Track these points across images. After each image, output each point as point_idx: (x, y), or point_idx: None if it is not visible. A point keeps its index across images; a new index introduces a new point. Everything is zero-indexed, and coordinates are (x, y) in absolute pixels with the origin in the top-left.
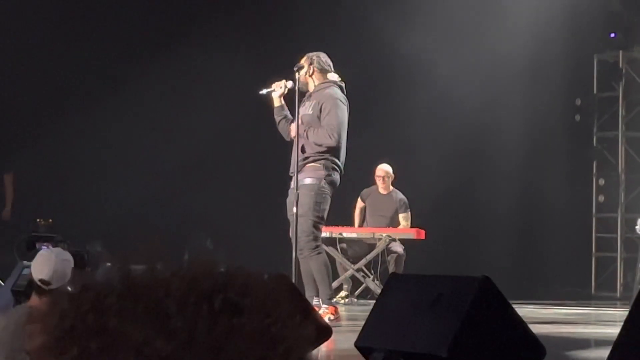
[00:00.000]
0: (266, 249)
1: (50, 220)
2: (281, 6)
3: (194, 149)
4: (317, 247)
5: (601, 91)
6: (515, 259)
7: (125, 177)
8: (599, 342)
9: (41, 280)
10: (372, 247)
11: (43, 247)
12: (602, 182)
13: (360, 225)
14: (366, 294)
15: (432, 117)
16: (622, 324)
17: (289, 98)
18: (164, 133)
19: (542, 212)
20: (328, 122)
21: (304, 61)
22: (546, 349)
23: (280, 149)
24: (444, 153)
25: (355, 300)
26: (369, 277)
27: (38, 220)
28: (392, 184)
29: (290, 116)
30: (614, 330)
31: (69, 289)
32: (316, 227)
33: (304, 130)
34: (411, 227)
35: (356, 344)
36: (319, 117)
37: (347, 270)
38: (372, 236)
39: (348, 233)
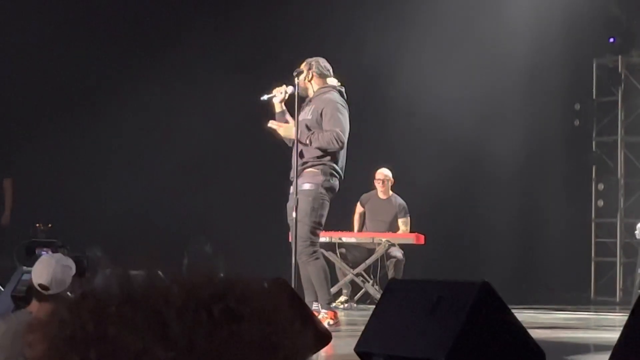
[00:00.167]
0: (266, 254)
1: (50, 225)
2: (282, 11)
3: (193, 153)
4: (314, 252)
5: (600, 96)
6: (514, 263)
7: (124, 182)
8: (599, 347)
9: (40, 285)
10: (371, 252)
11: (43, 252)
12: (601, 186)
13: (360, 230)
14: (365, 298)
15: (432, 121)
16: (621, 328)
17: (290, 103)
18: (164, 137)
19: (541, 216)
20: (332, 127)
21: (303, 66)
22: (545, 353)
23: (279, 154)
24: (444, 158)
25: (355, 305)
26: (369, 282)
27: (37, 225)
28: (392, 189)
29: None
30: (613, 335)
31: (69, 294)
32: (313, 232)
33: (307, 137)
34: (410, 232)
35: (356, 349)
36: (318, 122)
37: (347, 275)
38: (371, 241)
39: (347, 238)
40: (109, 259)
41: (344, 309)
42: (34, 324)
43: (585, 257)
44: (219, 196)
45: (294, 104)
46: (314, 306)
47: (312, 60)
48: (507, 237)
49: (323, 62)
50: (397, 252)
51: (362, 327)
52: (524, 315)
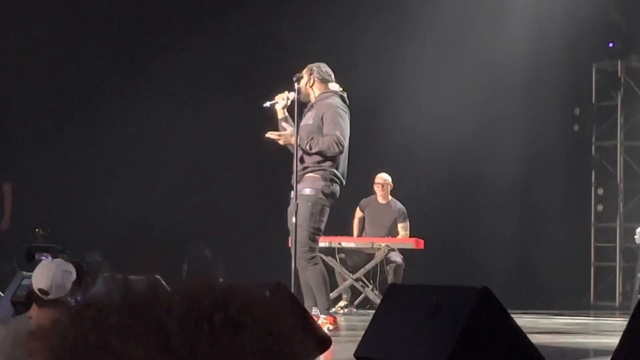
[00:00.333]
0: (265, 258)
1: (49, 230)
2: (283, 16)
3: (192, 157)
4: (313, 257)
5: (600, 100)
6: (514, 268)
7: (124, 187)
8: (598, 352)
9: (40, 290)
10: (371, 256)
11: (43, 257)
12: (600, 191)
13: (359, 235)
14: (365, 303)
15: (432, 125)
16: (621, 333)
17: (292, 109)
18: (163, 142)
19: (540, 221)
20: (332, 131)
21: (304, 72)
22: (545, 358)
23: (279, 159)
24: (443, 162)
25: (355, 310)
26: (368, 286)
27: (37, 230)
28: (391, 194)
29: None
30: (613, 340)
31: (69, 299)
32: (312, 238)
33: (307, 142)
34: (410, 236)
35: (355, 355)
36: (319, 127)
37: (346, 280)
38: (371, 246)
39: (347, 243)
40: (108, 264)
41: (343, 314)
42: (35, 333)
43: (584, 262)
44: (219, 201)
45: (297, 110)
46: (313, 311)
47: (314, 66)
48: (507, 242)
49: (324, 67)
50: (397, 257)
51: (362, 332)
52: (523, 320)
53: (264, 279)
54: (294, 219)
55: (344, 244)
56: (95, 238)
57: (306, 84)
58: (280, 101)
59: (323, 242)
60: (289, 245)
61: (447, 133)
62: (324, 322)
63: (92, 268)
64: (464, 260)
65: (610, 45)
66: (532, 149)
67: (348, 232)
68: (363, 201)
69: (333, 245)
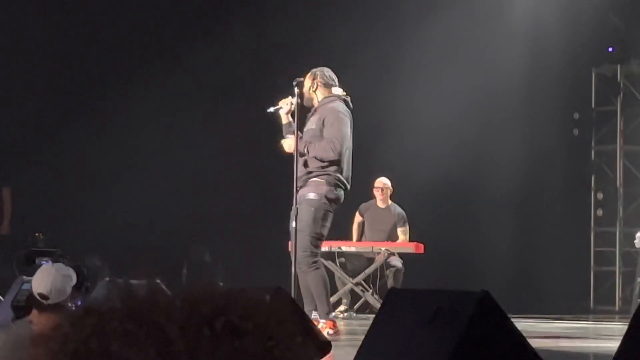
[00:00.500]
0: (265, 263)
1: (49, 235)
2: (285, 20)
3: (192, 162)
4: (314, 262)
5: (599, 105)
6: (514, 273)
7: (124, 192)
8: (598, 357)
9: (40, 295)
10: (371, 261)
11: (43, 261)
12: (600, 195)
13: (359, 239)
14: (365, 308)
15: (431, 129)
16: (620, 338)
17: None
18: (163, 146)
19: (540, 225)
20: (330, 136)
21: (307, 77)
22: None
23: (280, 164)
24: (442, 167)
25: (354, 314)
26: (368, 291)
27: (37, 234)
28: (391, 198)
29: (299, 133)
30: (612, 345)
31: (69, 304)
32: (314, 243)
33: (305, 146)
34: (410, 241)
35: (355, 359)
36: (321, 131)
37: (346, 284)
38: (371, 250)
39: (347, 247)
40: (108, 268)
41: (343, 318)
42: (37, 338)
43: (584, 266)
44: (218, 205)
45: (300, 115)
46: (313, 315)
47: (317, 71)
48: (507, 247)
49: (328, 71)
50: (397, 262)
51: (362, 337)
52: (523, 325)
53: (263, 284)
54: (293, 224)
55: (343, 248)
56: (95, 242)
57: (309, 89)
58: (284, 106)
59: (323, 247)
60: (289, 249)
61: (446, 137)
62: (323, 327)
63: (92, 272)
64: (463, 264)
65: (610, 50)
66: (531, 153)
67: (348, 237)
68: (362, 205)
69: (333, 249)
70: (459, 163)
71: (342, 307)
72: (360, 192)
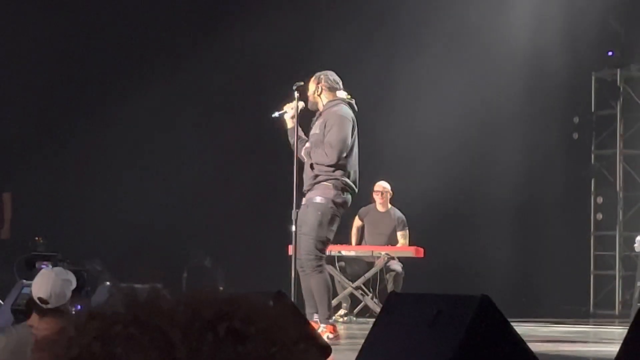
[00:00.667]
0: (265, 267)
1: (48, 240)
2: (288, 25)
3: (192, 166)
4: (319, 265)
5: (599, 109)
6: (513, 277)
7: (124, 196)
8: None
9: (40, 299)
10: (370, 265)
11: (43, 265)
12: (600, 200)
13: (358, 243)
14: (365, 312)
15: (431, 133)
16: (620, 342)
17: (301, 118)
18: (163, 149)
19: (540, 229)
20: (327, 140)
21: (312, 80)
22: None
23: (280, 168)
24: (442, 171)
25: (354, 318)
26: (368, 295)
27: (37, 238)
28: (390, 202)
29: (304, 137)
30: (612, 349)
31: (69, 308)
32: (319, 247)
33: (307, 151)
34: (409, 245)
35: None
36: (325, 136)
37: (346, 288)
38: (370, 254)
39: (347, 251)
40: (108, 273)
41: (343, 322)
42: (41, 342)
43: (584, 270)
44: (219, 210)
45: (305, 119)
46: (314, 318)
47: (321, 74)
48: (507, 250)
49: (332, 75)
50: (397, 266)
51: (362, 341)
52: (523, 329)
53: (263, 288)
54: (293, 227)
55: (343, 253)
56: (95, 246)
57: (314, 93)
58: (289, 111)
59: None
60: (289, 253)
61: (446, 141)
62: (323, 331)
63: (92, 277)
64: (463, 268)
65: (610, 54)
66: (531, 157)
67: (348, 241)
68: (362, 209)
69: (333, 253)
70: (458, 167)
71: (341, 311)
72: (360, 196)
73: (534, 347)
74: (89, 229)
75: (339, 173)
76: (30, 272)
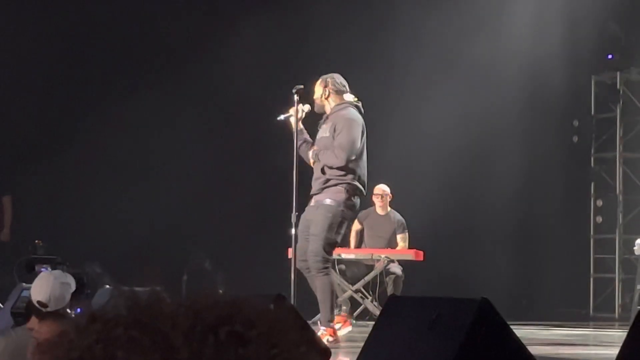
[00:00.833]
0: (265, 270)
1: (48, 243)
2: (287, 29)
3: (193, 169)
4: (325, 268)
5: (599, 112)
6: (513, 280)
7: (124, 199)
8: None
9: (39, 302)
10: (370, 268)
11: (42, 269)
12: (600, 203)
13: (357, 246)
14: (365, 315)
15: (431, 137)
16: (620, 345)
17: (307, 121)
18: (163, 153)
19: (540, 233)
20: (337, 143)
21: (318, 84)
22: None
23: (280, 170)
24: (442, 174)
25: (354, 321)
26: (368, 298)
27: (37, 241)
28: (390, 205)
29: (310, 139)
30: (612, 352)
31: (68, 311)
32: (327, 249)
33: (313, 154)
34: (409, 248)
35: None
36: (334, 139)
37: (346, 291)
38: (370, 257)
39: (346, 254)
40: (108, 276)
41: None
42: (42, 345)
43: (584, 274)
44: (219, 212)
45: (311, 122)
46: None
47: (328, 77)
48: (506, 254)
49: (339, 78)
50: (396, 269)
51: (362, 344)
52: (523, 332)
53: (263, 291)
54: (293, 230)
55: (343, 255)
56: (95, 249)
57: (322, 96)
58: (295, 114)
59: None
60: (289, 256)
61: (446, 144)
62: (324, 334)
63: (92, 279)
64: (463, 271)
65: (610, 57)
66: (531, 161)
67: (347, 244)
68: (362, 213)
69: (332, 256)
70: (458, 169)
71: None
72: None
73: (534, 350)
74: (89, 231)
75: (349, 177)
76: (30, 275)
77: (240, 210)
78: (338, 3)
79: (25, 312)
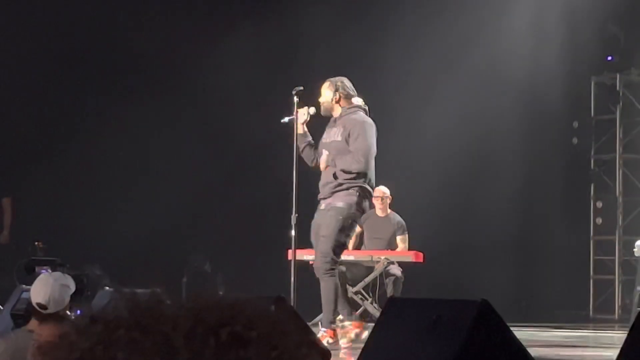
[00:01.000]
0: (265, 272)
1: (48, 244)
2: (290, 29)
3: (193, 171)
4: (332, 269)
5: (598, 114)
6: (513, 281)
7: (124, 201)
8: None
9: (38, 304)
10: (370, 269)
11: (42, 270)
12: (599, 204)
13: (356, 248)
14: (364, 316)
15: (431, 138)
16: (620, 346)
17: (311, 124)
18: (163, 154)
19: (540, 234)
20: (356, 147)
21: (327, 87)
22: None
23: (280, 172)
24: (442, 176)
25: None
26: (367, 300)
27: (36, 243)
28: (390, 206)
29: (313, 142)
30: (612, 353)
31: (68, 312)
32: (335, 251)
33: (332, 159)
34: (409, 250)
35: None
36: (348, 143)
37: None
38: (370, 259)
39: (346, 256)
40: (108, 277)
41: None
42: (43, 346)
43: (584, 275)
44: (219, 214)
45: (317, 125)
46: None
47: (337, 81)
48: (506, 255)
49: (347, 82)
50: (396, 270)
51: (361, 345)
52: (523, 333)
53: (263, 293)
54: (293, 232)
55: (343, 257)
56: (95, 251)
57: (332, 100)
58: (300, 117)
59: None
60: (289, 257)
61: (445, 146)
62: (324, 335)
63: (92, 281)
64: (463, 273)
65: (609, 58)
66: (531, 162)
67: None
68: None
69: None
70: (458, 171)
71: (340, 316)
72: None
73: (534, 351)
74: (89, 233)
75: (361, 180)
76: (30, 277)
77: (240, 211)
78: (339, 6)
79: (25, 314)
